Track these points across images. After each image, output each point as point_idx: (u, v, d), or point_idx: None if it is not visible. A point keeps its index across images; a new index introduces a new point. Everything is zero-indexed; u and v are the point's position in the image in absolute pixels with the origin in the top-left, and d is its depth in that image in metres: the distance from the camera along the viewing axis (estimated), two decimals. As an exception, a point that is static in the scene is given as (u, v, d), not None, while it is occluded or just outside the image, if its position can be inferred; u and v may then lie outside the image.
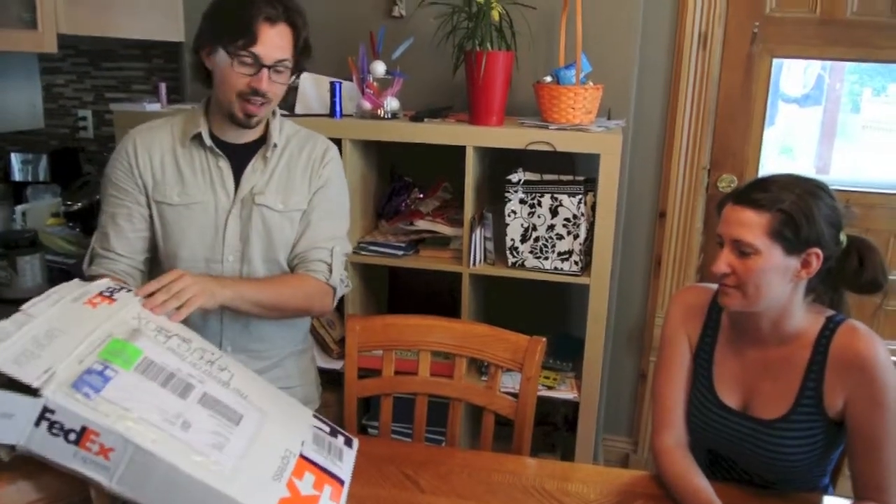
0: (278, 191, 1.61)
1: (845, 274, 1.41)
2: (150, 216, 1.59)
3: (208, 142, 1.57)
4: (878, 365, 1.32)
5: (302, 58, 1.56)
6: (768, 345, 1.44)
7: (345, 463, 1.26)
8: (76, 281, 1.24)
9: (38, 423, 0.98)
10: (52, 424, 0.98)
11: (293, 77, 1.59)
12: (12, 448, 1.00)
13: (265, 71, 1.47)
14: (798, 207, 1.31)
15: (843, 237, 1.38)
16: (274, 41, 1.47)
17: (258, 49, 1.45)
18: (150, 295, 1.28)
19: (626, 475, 1.54)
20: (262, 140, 1.62)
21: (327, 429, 1.32)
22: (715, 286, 1.52)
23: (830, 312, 1.42)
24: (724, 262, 1.36)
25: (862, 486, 1.36)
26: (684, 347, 1.55)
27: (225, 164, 1.59)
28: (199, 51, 1.53)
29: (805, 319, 1.41)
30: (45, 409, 0.98)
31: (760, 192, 1.34)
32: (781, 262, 1.33)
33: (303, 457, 1.19)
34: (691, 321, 1.55)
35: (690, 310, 1.56)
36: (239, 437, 1.12)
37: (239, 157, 1.60)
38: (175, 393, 1.10)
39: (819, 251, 1.33)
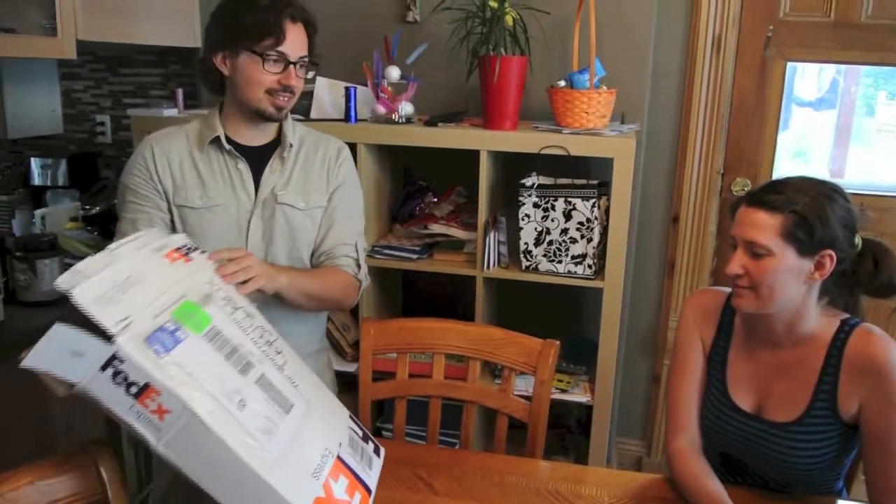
0: (298, 190, 1.65)
1: (860, 277, 1.41)
2: (171, 221, 1.61)
3: (226, 145, 1.60)
4: (893, 368, 1.33)
5: (316, 56, 1.63)
6: (782, 347, 1.44)
7: (373, 471, 1.26)
8: (157, 230, 1.21)
9: (103, 368, 0.98)
10: (117, 373, 0.98)
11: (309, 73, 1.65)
12: (71, 386, 1.00)
13: (292, 67, 1.54)
14: (811, 209, 1.31)
15: (857, 240, 1.38)
16: (297, 38, 1.54)
17: (285, 47, 1.52)
18: (221, 265, 1.28)
19: (639, 478, 1.54)
20: (276, 142, 1.66)
21: (360, 433, 1.31)
22: (728, 289, 1.52)
23: (845, 315, 1.42)
24: (738, 263, 1.37)
25: (877, 491, 1.36)
26: (698, 350, 1.55)
27: (244, 166, 1.61)
28: (213, 57, 1.56)
29: (819, 322, 1.41)
30: (115, 357, 0.97)
31: (774, 194, 1.34)
32: (795, 263, 1.33)
33: (339, 458, 1.18)
34: (705, 324, 1.55)
35: (704, 313, 1.56)
36: (287, 426, 1.11)
37: (256, 159, 1.63)
38: (236, 369, 1.10)
39: (833, 253, 1.33)
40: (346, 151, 1.76)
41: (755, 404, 1.47)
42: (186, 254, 1.22)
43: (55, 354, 0.98)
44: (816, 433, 1.40)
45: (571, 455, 2.64)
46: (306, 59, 1.58)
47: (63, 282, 1.00)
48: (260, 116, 1.58)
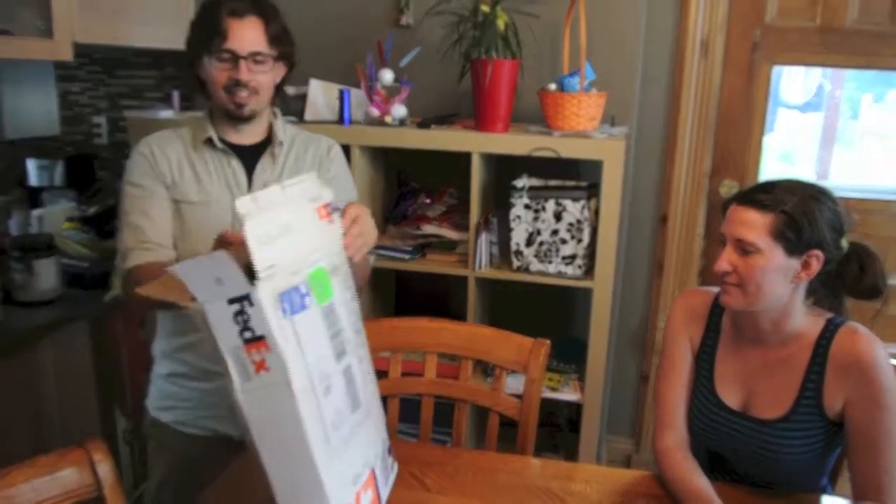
0: None
1: (846, 279, 1.43)
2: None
3: (219, 144, 1.62)
4: (877, 367, 1.34)
5: (282, 48, 1.60)
6: (769, 345, 1.46)
7: (388, 486, 1.27)
8: (314, 175, 1.16)
9: (231, 302, 0.98)
10: (240, 312, 0.98)
11: (286, 70, 1.65)
12: (187, 304, 1.00)
13: (242, 62, 1.53)
14: (800, 209, 1.34)
15: (844, 242, 1.40)
16: (244, 34, 1.53)
17: (230, 44, 1.52)
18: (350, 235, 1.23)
19: (628, 475, 1.55)
20: (267, 141, 1.68)
21: (388, 444, 1.31)
22: (716, 289, 1.54)
23: (831, 315, 1.44)
24: (726, 260, 1.39)
25: (861, 487, 1.37)
26: (686, 349, 1.57)
27: (237, 164, 1.64)
28: (193, 66, 1.61)
29: (805, 321, 1.43)
30: (246, 298, 0.97)
31: (764, 194, 1.36)
32: (782, 262, 1.35)
33: (373, 471, 1.19)
34: (693, 323, 1.57)
35: (692, 312, 1.58)
36: (349, 424, 1.11)
37: (247, 158, 1.65)
38: (334, 353, 1.09)
39: (820, 253, 1.35)
40: (338, 148, 1.78)
41: (742, 402, 1.49)
42: (330, 213, 1.17)
43: (201, 272, 0.97)
44: (802, 430, 1.41)
45: (562, 452, 2.66)
46: (263, 55, 1.56)
47: (242, 206, 0.98)
48: (228, 116, 1.61)
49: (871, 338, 1.39)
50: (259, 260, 0.97)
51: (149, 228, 1.58)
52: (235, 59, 1.53)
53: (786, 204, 1.34)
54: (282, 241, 1.02)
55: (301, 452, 1.03)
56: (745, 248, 1.36)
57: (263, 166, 1.66)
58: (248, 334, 0.98)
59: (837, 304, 1.48)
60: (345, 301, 1.15)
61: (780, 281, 1.37)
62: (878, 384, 1.34)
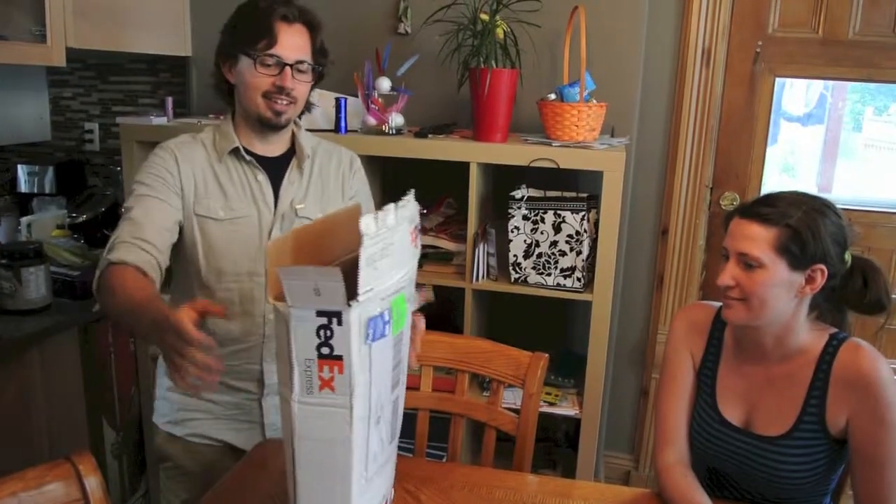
0: (315, 201, 1.64)
1: (849, 293, 1.41)
2: (182, 228, 1.56)
3: (247, 156, 1.58)
4: (881, 383, 1.33)
5: (321, 61, 1.61)
6: (771, 361, 1.45)
7: None
8: (413, 198, 1.14)
9: (319, 315, 0.98)
10: (326, 327, 0.98)
11: (314, 84, 1.63)
12: (282, 299, 0.99)
13: (288, 69, 1.52)
14: (804, 223, 1.32)
15: (847, 256, 1.38)
16: (293, 40, 1.53)
17: (278, 49, 1.50)
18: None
19: (627, 492, 1.53)
20: (290, 152, 1.65)
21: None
22: (718, 304, 1.52)
23: (833, 330, 1.43)
24: (729, 275, 1.37)
25: None
26: (687, 365, 1.55)
27: (263, 178, 1.60)
28: (221, 66, 1.58)
29: (808, 336, 1.42)
30: (336, 315, 0.97)
31: (767, 207, 1.35)
32: (786, 276, 1.34)
33: (386, 502, 1.19)
34: (694, 338, 1.56)
35: (693, 327, 1.56)
36: (385, 455, 1.11)
37: (272, 170, 1.61)
38: (392, 382, 1.09)
39: (824, 268, 1.34)
40: (359, 161, 1.77)
41: (744, 418, 1.47)
42: (416, 236, 1.16)
43: (305, 278, 0.97)
44: (805, 447, 1.40)
45: (559, 468, 2.63)
46: (305, 63, 1.55)
47: (367, 226, 0.96)
48: (261, 123, 1.56)
49: (874, 354, 1.37)
50: (363, 282, 0.96)
51: (147, 227, 1.49)
52: (281, 64, 1.51)
53: (790, 217, 1.32)
54: (383, 262, 1.02)
55: (342, 479, 1.03)
56: (748, 263, 1.35)
57: (291, 180, 1.63)
58: (325, 350, 0.99)
59: (840, 318, 1.47)
60: (406, 331, 1.15)
61: (784, 296, 1.36)
62: (882, 401, 1.32)
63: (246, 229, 1.57)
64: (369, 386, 1.02)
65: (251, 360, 1.62)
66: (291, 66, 1.52)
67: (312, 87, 1.64)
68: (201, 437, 1.66)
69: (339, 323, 0.97)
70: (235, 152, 1.58)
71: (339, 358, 0.99)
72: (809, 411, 1.39)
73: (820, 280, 1.35)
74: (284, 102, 1.54)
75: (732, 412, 1.48)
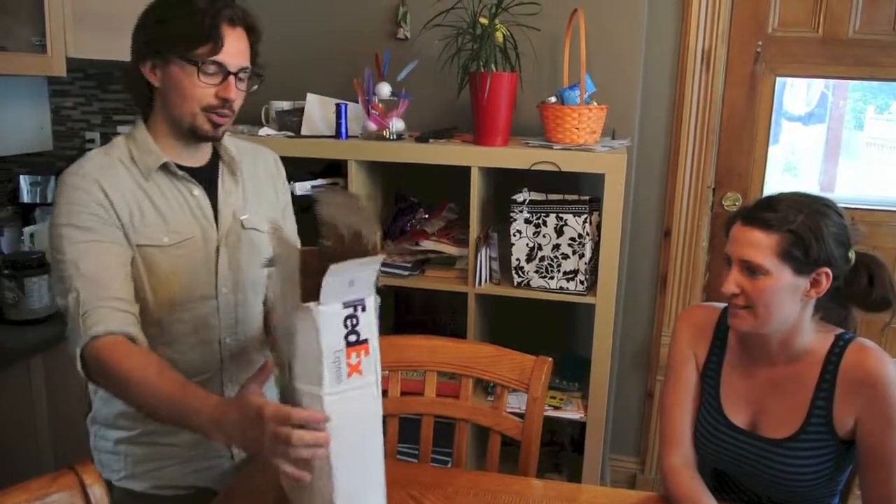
0: (255, 208, 1.52)
1: (854, 292, 1.41)
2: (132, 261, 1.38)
3: (179, 171, 1.42)
4: (888, 383, 1.32)
5: (258, 68, 1.44)
6: (777, 363, 1.44)
7: None
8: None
9: (345, 306, 1.03)
10: (352, 316, 1.04)
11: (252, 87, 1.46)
12: (316, 300, 1.02)
13: (231, 78, 1.35)
14: (807, 227, 1.31)
15: (851, 255, 1.38)
16: (237, 46, 1.35)
17: (223, 56, 1.33)
18: None
19: (633, 496, 1.53)
20: (214, 160, 1.49)
21: None
22: (721, 305, 1.52)
23: (839, 331, 1.42)
24: (734, 282, 1.36)
25: None
26: (692, 367, 1.54)
27: (200, 192, 1.44)
28: (140, 64, 1.36)
29: (814, 338, 1.41)
30: (360, 303, 1.04)
31: (769, 212, 1.34)
32: (791, 282, 1.33)
33: None
34: (698, 340, 1.55)
35: (697, 329, 1.56)
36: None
37: (203, 182, 1.46)
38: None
39: (829, 271, 1.33)
40: (280, 161, 1.64)
41: (750, 421, 1.47)
42: None
43: (344, 273, 1.00)
44: (812, 449, 1.39)
45: (565, 473, 2.62)
46: (248, 70, 1.39)
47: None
48: (193, 135, 1.39)
49: (880, 353, 1.37)
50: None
51: (109, 282, 1.30)
52: (225, 73, 1.35)
53: (792, 222, 1.31)
54: None
55: (374, 450, 1.12)
56: (752, 270, 1.34)
57: (227, 190, 1.48)
58: (352, 337, 1.04)
59: (845, 317, 1.46)
60: None
61: (789, 301, 1.35)
62: (889, 401, 1.32)
63: (192, 252, 1.42)
64: (378, 361, 1.09)
65: (212, 391, 1.29)
66: (235, 73, 1.36)
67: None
68: (165, 487, 1.49)
69: (364, 309, 1.04)
70: (163, 167, 1.40)
71: (365, 341, 1.06)
72: (816, 413, 1.38)
73: (825, 283, 1.34)
74: (226, 115, 1.38)
75: (738, 415, 1.47)
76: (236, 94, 1.38)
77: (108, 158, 1.39)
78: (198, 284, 1.44)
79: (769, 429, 1.43)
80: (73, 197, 1.33)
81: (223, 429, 1.12)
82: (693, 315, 1.59)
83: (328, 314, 1.02)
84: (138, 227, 1.37)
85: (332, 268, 0.98)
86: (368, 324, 1.05)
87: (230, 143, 1.53)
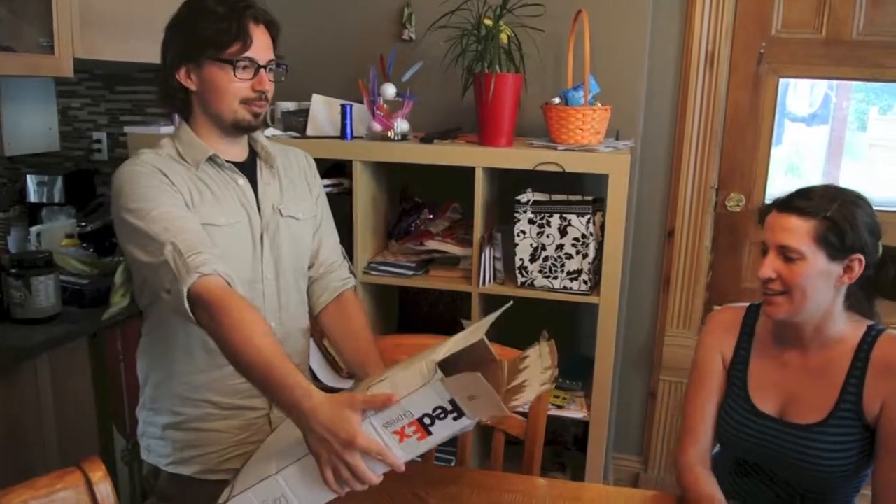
0: (292, 200, 1.62)
1: (882, 282, 1.44)
2: None
3: (225, 163, 1.52)
4: None
5: (282, 60, 1.55)
6: (809, 350, 1.48)
7: None
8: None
9: (451, 402, 1.11)
10: (444, 411, 1.11)
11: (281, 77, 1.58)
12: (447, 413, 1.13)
13: (262, 71, 1.47)
14: (842, 215, 1.36)
15: (880, 245, 1.42)
16: (263, 41, 1.47)
17: (253, 52, 1.45)
18: None
19: (636, 495, 1.54)
20: (252, 156, 1.60)
21: None
22: (745, 304, 1.58)
23: (871, 322, 1.46)
24: (770, 267, 1.40)
25: (881, 495, 1.38)
26: (716, 365, 1.58)
27: (244, 182, 1.54)
28: (176, 73, 1.48)
29: (846, 327, 1.45)
30: (458, 412, 1.11)
31: (805, 200, 1.39)
32: (825, 267, 1.37)
33: None
34: (725, 338, 1.59)
35: (724, 328, 1.60)
36: None
37: (246, 175, 1.57)
38: None
39: (861, 257, 1.38)
40: (312, 159, 1.75)
41: (779, 408, 1.50)
42: None
43: (477, 389, 1.08)
44: (840, 435, 1.42)
45: (568, 471, 2.63)
46: (275, 62, 1.51)
47: None
48: (237, 128, 1.50)
49: None
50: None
51: (202, 235, 1.37)
52: (256, 67, 1.46)
53: (827, 210, 1.36)
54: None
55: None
56: (788, 256, 1.38)
57: (266, 181, 1.58)
58: (427, 421, 1.12)
59: (869, 308, 1.50)
60: None
61: (823, 286, 1.39)
62: None
63: (242, 236, 1.52)
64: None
65: None
66: (265, 67, 1.48)
67: None
68: (210, 471, 1.55)
69: (455, 419, 1.11)
70: (209, 160, 1.50)
71: (429, 433, 1.13)
72: (847, 398, 1.42)
73: (858, 270, 1.38)
74: (262, 105, 1.49)
75: (766, 403, 1.51)
76: (269, 84, 1.49)
77: (158, 155, 1.48)
78: (246, 268, 1.52)
79: (798, 415, 1.47)
80: (138, 180, 1.41)
81: (303, 421, 1.15)
82: (719, 317, 1.64)
83: (436, 390, 1.10)
84: (198, 207, 1.45)
85: (477, 378, 1.06)
86: (443, 432, 1.13)
87: (265, 142, 1.63)
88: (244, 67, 1.44)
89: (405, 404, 1.11)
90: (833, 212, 1.35)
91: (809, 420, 1.44)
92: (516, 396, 1.27)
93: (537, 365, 1.40)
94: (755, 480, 1.54)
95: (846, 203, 1.37)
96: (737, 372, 1.56)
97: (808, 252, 1.36)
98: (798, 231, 1.37)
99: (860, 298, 1.47)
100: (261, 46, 1.46)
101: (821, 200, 1.37)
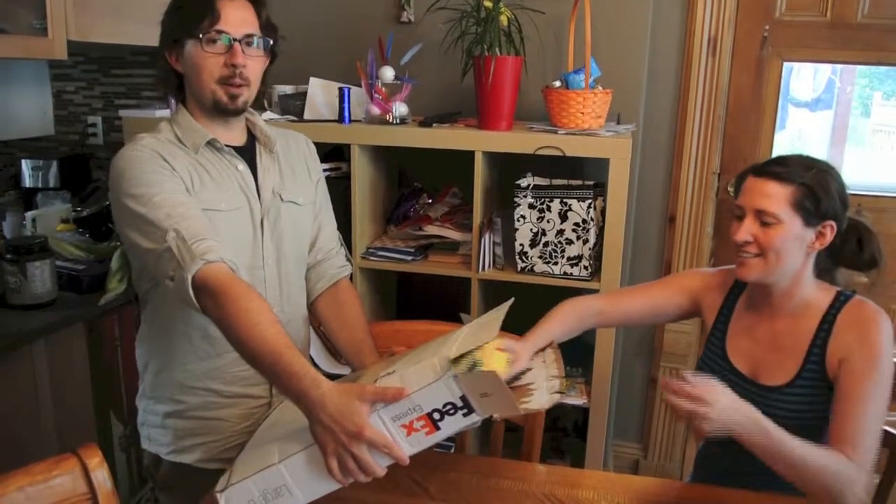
0: (292, 185, 1.59)
1: (845, 252, 1.51)
2: None
3: (224, 147, 1.49)
4: (879, 331, 1.41)
5: (271, 36, 1.50)
6: (778, 316, 1.53)
7: None
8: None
9: (462, 398, 1.10)
10: (453, 407, 1.11)
11: (269, 63, 1.54)
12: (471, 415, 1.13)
13: (237, 45, 1.42)
14: (818, 182, 1.41)
15: (845, 216, 1.47)
16: (238, 14, 1.43)
17: (223, 24, 1.40)
18: None
19: (636, 481, 1.53)
20: (251, 140, 1.58)
21: None
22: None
23: (839, 289, 1.51)
24: (747, 230, 1.44)
25: (832, 440, 1.38)
26: (679, 291, 1.70)
27: (244, 167, 1.52)
28: (167, 57, 1.47)
29: (816, 293, 1.50)
30: (468, 409, 1.11)
31: (781, 167, 1.43)
32: (800, 232, 1.42)
33: None
34: (711, 293, 1.66)
35: (715, 282, 1.67)
36: None
37: (246, 159, 1.54)
38: None
39: (833, 224, 1.43)
40: (312, 143, 1.72)
41: (749, 369, 1.55)
42: None
43: (493, 387, 1.08)
44: (805, 395, 1.46)
45: (568, 458, 2.63)
46: (254, 37, 1.44)
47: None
48: (217, 110, 1.46)
49: (878, 308, 1.46)
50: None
51: (205, 221, 1.35)
52: (229, 41, 1.41)
53: (804, 177, 1.41)
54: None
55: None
56: (765, 220, 1.42)
57: (265, 167, 1.55)
58: (436, 416, 1.11)
59: (831, 276, 1.55)
60: None
61: (797, 251, 1.44)
62: (875, 347, 1.40)
63: (243, 221, 1.50)
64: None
65: None
66: (239, 41, 1.42)
67: (268, 67, 1.54)
68: (212, 460, 1.54)
69: (465, 415, 1.11)
70: (209, 144, 1.48)
71: (437, 428, 1.12)
72: (812, 360, 1.46)
73: (829, 236, 1.43)
74: (238, 84, 1.43)
75: (739, 362, 1.57)
76: (244, 59, 1.43)
77: (158, 140, 1.46)
78: (247, 254, 1.50)
79: (766, 377, 1.52)
80: (139, 164, 1.38)
81: (311, 410, 1.14)
82: (713, 274, 1.71)
83: (448, 385, 1.09)
84: (199, 192, 1.43)
85: (494, 377, 1.07)
86: (452, 427, 1.12)
87: (264, 126, 1.60)
88: (211, 41, 1.40)
89: (415, 398, 1.10)
90: (809, 179, 1.40)
91: (777, 382, 1.49)
92: (525, 399, 1.29)
93: (542, 370, 1.44)
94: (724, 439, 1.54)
95: (821, 171, 1.42)
96: (717, 333, 1.62)
97: (785, 217, 1.40)
98: (776, 196, 1.41)
99: (828, 267, 1.53)
100: (235, 20, 1.42)
101: (797, 168, 1.42)
